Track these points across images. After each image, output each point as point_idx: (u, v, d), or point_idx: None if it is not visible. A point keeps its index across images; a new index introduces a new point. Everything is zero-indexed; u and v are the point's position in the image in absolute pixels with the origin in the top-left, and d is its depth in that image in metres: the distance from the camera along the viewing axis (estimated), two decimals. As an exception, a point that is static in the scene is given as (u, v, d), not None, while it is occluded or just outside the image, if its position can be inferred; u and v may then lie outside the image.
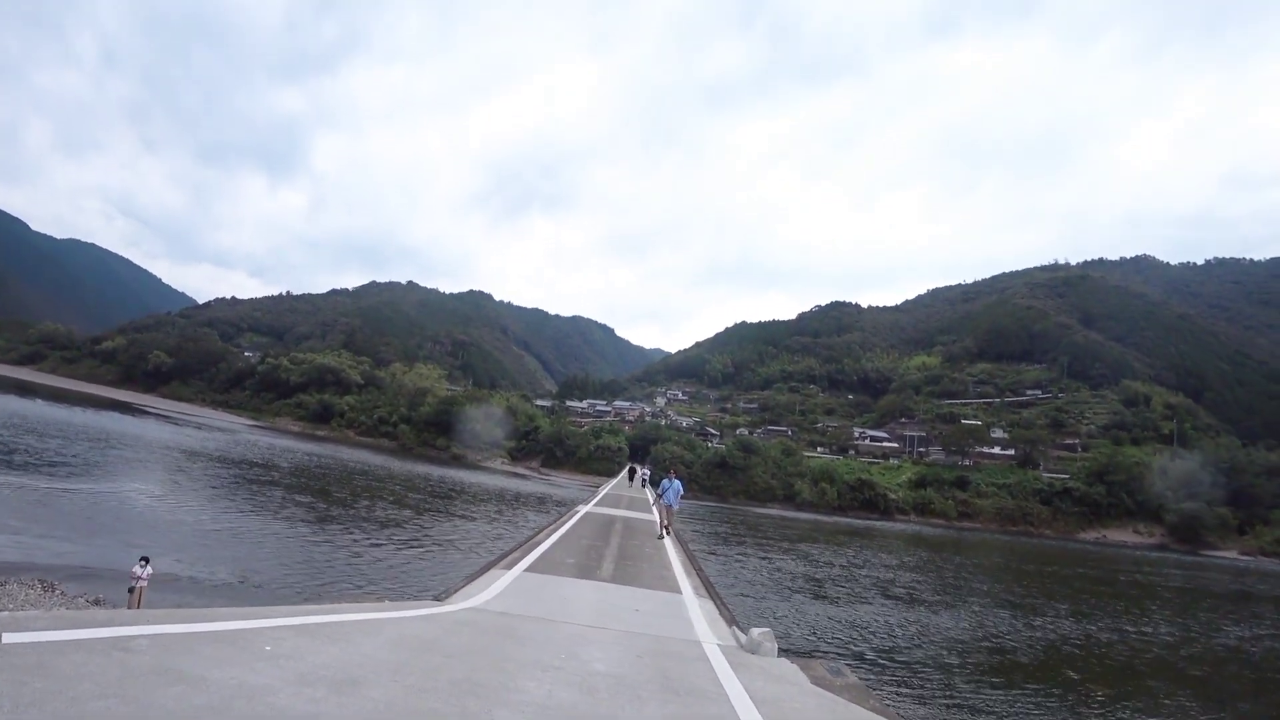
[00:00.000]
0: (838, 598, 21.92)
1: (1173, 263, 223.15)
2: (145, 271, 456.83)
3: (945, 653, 16.25)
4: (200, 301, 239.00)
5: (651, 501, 32.37)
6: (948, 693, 13.10)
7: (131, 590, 11.19)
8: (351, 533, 22.55)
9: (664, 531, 16.67)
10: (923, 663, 15.04)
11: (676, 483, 16.81)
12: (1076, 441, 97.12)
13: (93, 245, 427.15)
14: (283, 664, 3.90)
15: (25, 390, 69.49)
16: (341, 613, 5.69)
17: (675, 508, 16.97)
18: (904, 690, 12.93)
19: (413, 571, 18.03)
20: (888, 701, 11.41)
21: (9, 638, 3.20)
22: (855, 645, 15.83)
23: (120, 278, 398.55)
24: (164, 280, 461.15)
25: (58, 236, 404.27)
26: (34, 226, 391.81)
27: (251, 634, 4.35)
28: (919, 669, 14.51)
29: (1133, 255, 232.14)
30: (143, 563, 11.44)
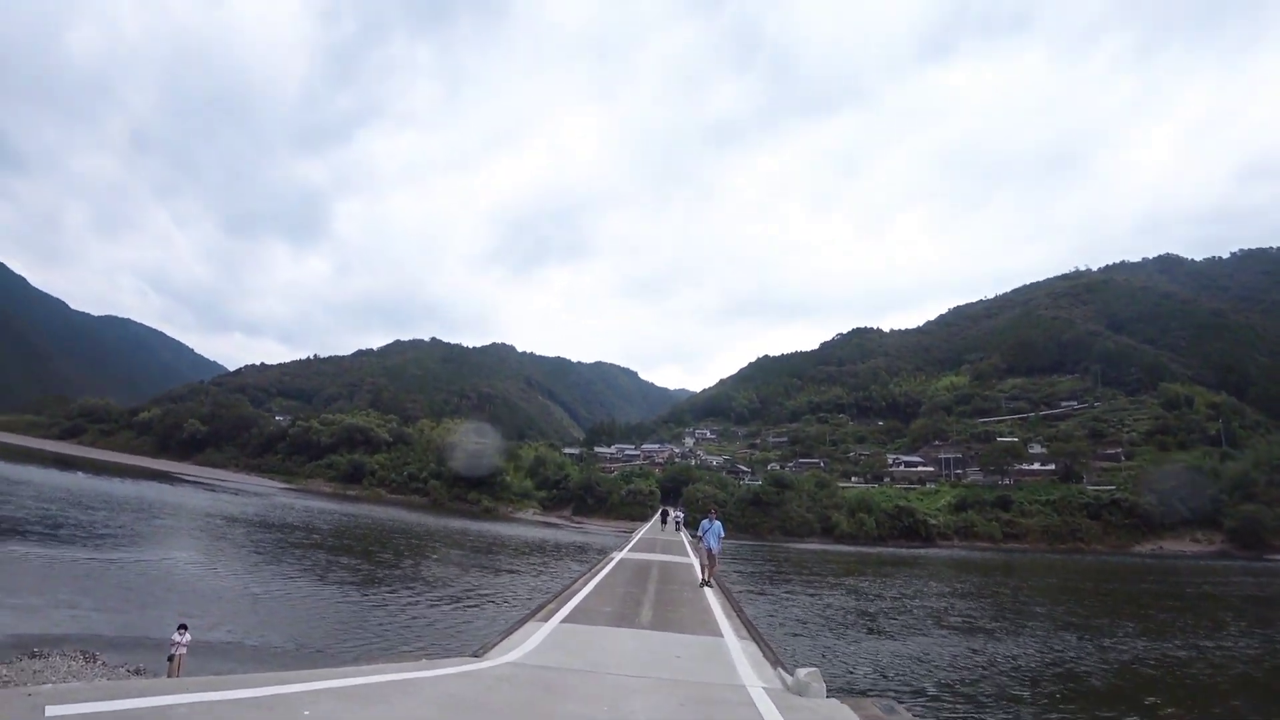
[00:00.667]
0: (891, 631, 21.22)
1: (1197, 259, 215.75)
2: (178, 343, 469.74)
3: (1011, 683, 15.50)
4: (231, 369, 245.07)
5: (688, 545, 31.90)
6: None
7: (171, 658, 11.22)
8: (388, 591, 22.48)
9: (705, 578, 15.07)
10: (987, 695, 14.36)
11: (717, 524, 15.31)
12: (1119, 450, 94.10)
13: (128, 320, 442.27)
14: (322, 730, 3.84)
15: (66, 464, 71.20)
16: (379, 674, 5.62)
17: (717, 551, 15.35)
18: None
19: (450, 627, 17.86)
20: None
21: (51, 710, 3.22)
22: (914, 680, 15.22)
23: (155, 350, 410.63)
24: (196, 350, 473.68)
25: (95, 314, 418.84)
26: (73, 305, 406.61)
27: (290, 699, 4.30)
28: (984, 702, 13.85)
29: (1155, 255, 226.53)
30: (181, 630, 11.49)
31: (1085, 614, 26.95)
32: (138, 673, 11.36)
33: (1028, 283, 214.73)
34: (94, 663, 11.69)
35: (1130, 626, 23.78)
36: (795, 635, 19.53)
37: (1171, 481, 73.11)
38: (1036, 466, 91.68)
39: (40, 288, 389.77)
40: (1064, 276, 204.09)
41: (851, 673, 15.56)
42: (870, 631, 20.99)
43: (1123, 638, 21.52)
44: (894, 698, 12.40)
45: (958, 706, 13.45)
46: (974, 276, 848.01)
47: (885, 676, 15.43)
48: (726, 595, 14.73)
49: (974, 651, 18.56)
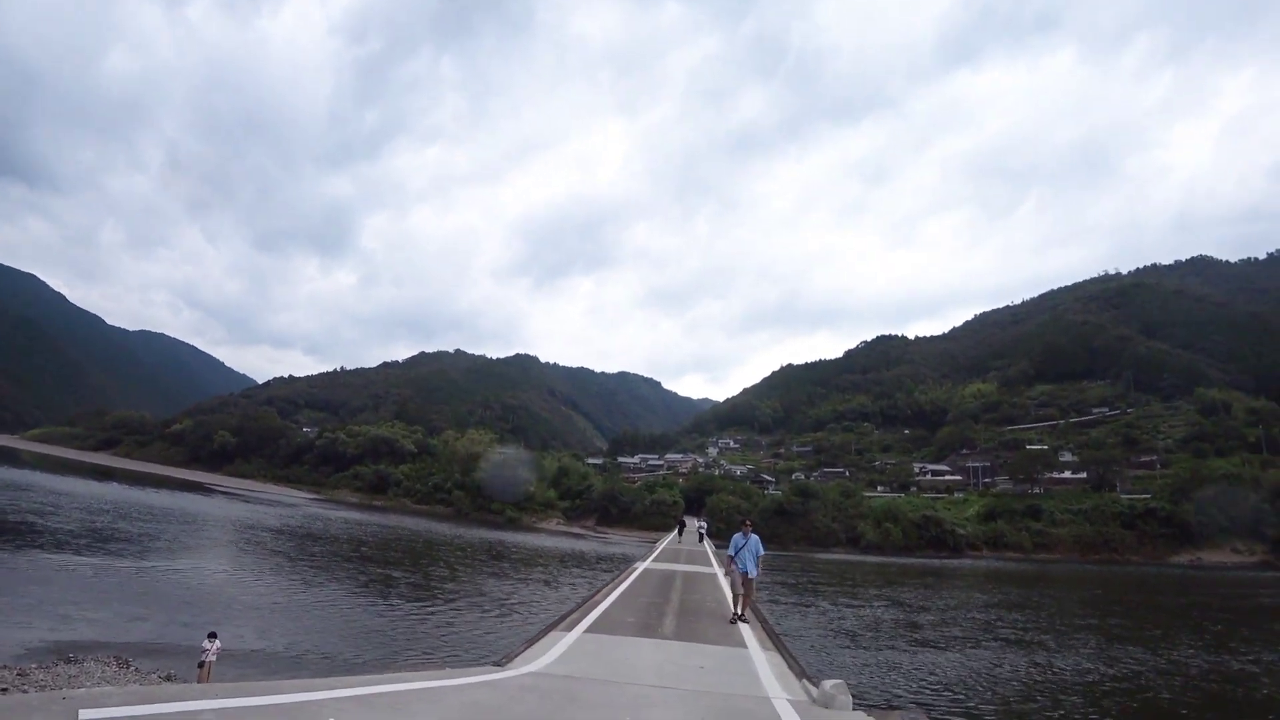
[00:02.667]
0: (925, 642, 20.78)
1: (1233, 260, 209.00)
2: (209, 356, 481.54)
3: (1066, 695, 15.04)
4: (260, 381, 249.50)
5: (711, 555, 31.59)
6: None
7: (201, 665, 11.43)
8: (413, 601, 22.63)
9: (739, 612, 11.90)
10: (1040, 710, 13.95)
11: (754, 539, 11.94)
12: (1154, 458, 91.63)
13: (162, 335, 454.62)
14: (346, 736, 3.87)
15: (104, 474, 72.90)
16: (403, 682, 5.66)
17: (755, 576, 11.96)
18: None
19: (473, 636, 17.90)
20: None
21: (84, 714, 3.29)
22: (974, 693, 14.88)
23: (187, 364, 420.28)
24: (226, 363, 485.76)
25: (130, 329, 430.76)
26: (109, 321, 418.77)
27: (314, 706, 4.34)
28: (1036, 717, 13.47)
29: (1188, 258, 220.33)
30: (211, 638, 11.72)
31: (1136, 626, 26.12)
32: (169, 679, 11.56)
33: (1055, 288, 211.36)
34: (127, 669, 11.94)
35: (1190, 639, 22.93)
36: (845, 647, 19.35)
37: (1209, 490, 70.99)
38: (1067, 475, 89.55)
39: (77, 304, 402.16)
40: (1093, 281, 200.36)
41: (876, 683, 15.23)
42: (906, 643, 20.55)
43: (1186, 650, 20.73)
44: (938, 713, 12.17)
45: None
46: (1003, 283, 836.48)
47: (948, 690, 15.00)
48: (751, 607, 14.51)
49: (1033, 665, 18.00)
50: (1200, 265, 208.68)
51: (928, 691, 14.84)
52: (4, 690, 9.39)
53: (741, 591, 11.93)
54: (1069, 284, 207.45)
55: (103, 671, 11.38)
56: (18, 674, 10.46)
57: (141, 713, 3.52)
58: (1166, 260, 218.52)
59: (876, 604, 29.39)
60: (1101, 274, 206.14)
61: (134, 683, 10.86)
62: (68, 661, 11.93)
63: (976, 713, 13.46)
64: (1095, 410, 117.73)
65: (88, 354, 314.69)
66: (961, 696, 14.56)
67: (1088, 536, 71.15)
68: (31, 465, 75.39)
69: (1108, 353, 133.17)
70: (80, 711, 3.31)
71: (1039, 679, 16.62)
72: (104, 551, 25.15)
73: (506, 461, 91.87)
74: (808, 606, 27.24)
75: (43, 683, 10.17)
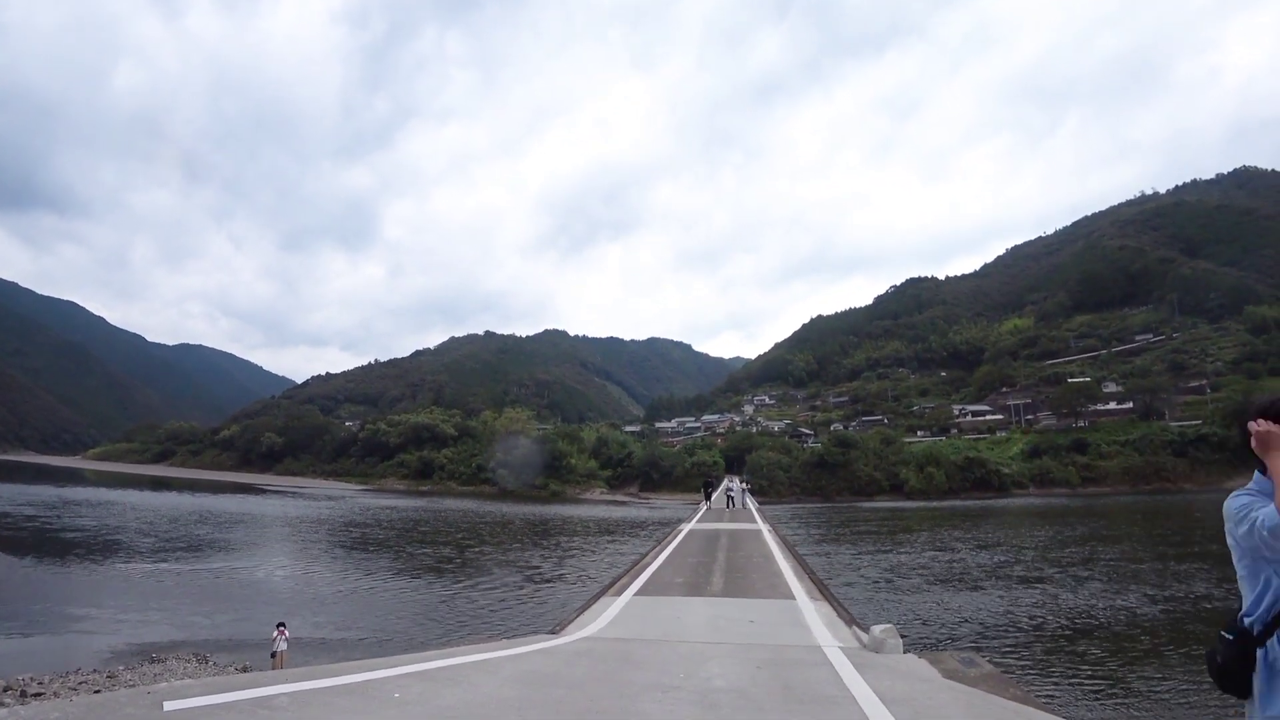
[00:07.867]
0: (980, 585, 20.67)
1: None
2: (248, 362, 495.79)
3: (1130, 630, 14.87)
4: (299, 381, 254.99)
5: (755, 513, 31.62)
6: (1124, 679, 12.10)
7: (273, 654, 11.98)
8: (466, 579, 23.25)
9: None
10: (1097, 647, 13.88)
11: None
12: (1204, 382, 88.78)
13: (200, 346, 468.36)
14: (410, 709, 4.05)
15: (162, 485, 75.97)
16: (461, 655, 5.85)
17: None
18: (1063, 678, 12.03)
19: (527, 608, 18.38)
20: (1034, 690, 10.71)
21: (169, 705, 3.50)
22: (1007, 635, 14.87)
23: (228, 371, 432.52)
24: (265, 367, 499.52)
25: (170, 343, 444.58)
26: (149, 338, 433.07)
27: (379, 683, 4.54)
28: (1088, 654, 13.41)
29: (1231, 169, 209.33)
30: (280, 628, 12.25)
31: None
32: (244, 669, 12.15)
33: (1089, 214, 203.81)
34: (206, 664, 12.61)
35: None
36: (906, 593, 19.47)
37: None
38: (1113, 406, 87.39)
39: (118, 325, 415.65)
40: (1129, 203, 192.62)
41: (928, 627, 15.28)
42: (958, 587, 20.51)
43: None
44: (970, 650, 12.18)
45: (1057, 658, 13.10)
46: (1045, 213, 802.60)
47: (1045, 629, 14.96)
48: (795, 557, 14.65)
49: (1143, 597, 17.80)
50: (1244, 177, 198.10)
51: (1029, 634, 14.85)
52: (97, 692, 9.98)
53: None
54: (1103, 209, 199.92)
55: (184, 667, 12.04)
56: (107, 676, 11.11)
57: (221, 700, 3.73)
58: (1209, 174, 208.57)
59: (908, 549, 29.29)
60: (1138, 195, 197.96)
61: (212, 675, 11.45)
62: (152, 661, 12.63)
63: (1075, 650, 13.40)
64: (1139, 338, 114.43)
65: (133, 372, 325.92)
66: (1063, 635, 14.50)
67: (1138, 467, 69.77)
68: (95, 483, 78.75)
69: (1149, 277, 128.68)
70: (165, 704, 3.51)
71: (1157, 612, 16.44)
72: (174, 557, 26.36)
73: (544, 436, 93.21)
74: (860, 555, 27.33)
75: (130, 682, 10.78)
